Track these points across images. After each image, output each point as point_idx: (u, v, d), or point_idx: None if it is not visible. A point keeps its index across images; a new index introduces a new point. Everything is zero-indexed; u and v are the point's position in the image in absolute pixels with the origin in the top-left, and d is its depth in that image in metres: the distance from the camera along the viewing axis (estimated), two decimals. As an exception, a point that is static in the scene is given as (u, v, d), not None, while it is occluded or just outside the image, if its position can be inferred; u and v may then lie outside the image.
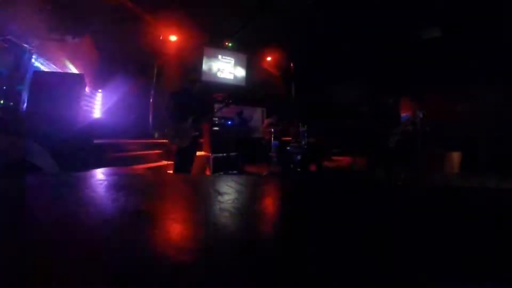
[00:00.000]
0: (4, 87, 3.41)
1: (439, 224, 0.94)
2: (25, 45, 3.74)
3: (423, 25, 6.35)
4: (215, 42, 7.73)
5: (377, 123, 4.37)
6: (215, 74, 7.86)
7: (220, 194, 1.24)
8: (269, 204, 1.28)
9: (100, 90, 5.49)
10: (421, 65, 6.61)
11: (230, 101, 4.05)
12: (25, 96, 3.51)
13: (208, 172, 5.11)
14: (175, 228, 0.87)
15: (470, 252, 0.69)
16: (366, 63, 7.08)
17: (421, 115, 4.87)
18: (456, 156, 5.95)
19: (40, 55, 4.09)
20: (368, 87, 7.23)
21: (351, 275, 0.55)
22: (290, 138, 5.95)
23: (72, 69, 4.88)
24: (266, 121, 6.81)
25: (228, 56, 8.09)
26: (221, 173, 5.04)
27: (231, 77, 8.17)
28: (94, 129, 4.09)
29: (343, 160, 6.91)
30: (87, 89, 4.65)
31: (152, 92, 6.23)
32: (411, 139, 4.71)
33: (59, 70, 4.52)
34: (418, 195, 1.46)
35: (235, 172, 5.24)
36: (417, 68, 6.63)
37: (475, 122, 6.21)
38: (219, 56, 7.93)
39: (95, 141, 3.86)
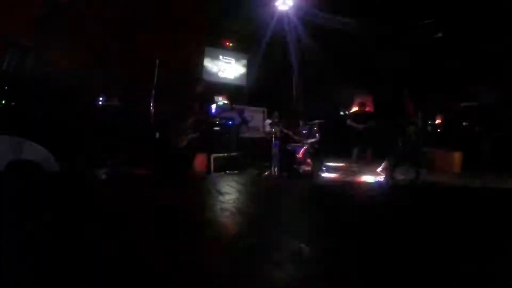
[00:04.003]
0: (6, 87, 3.41)
1: (439, 224, 0.93)
2: (26, 45, 3.74)
3: (423, 25, 6.34)
4: (216, 42, 7.72)
5: (390, 123, 4.37)
6: (216, 74, 7.85)
7: (221, 193, 1.24)
8: (270, 203, 1.29)
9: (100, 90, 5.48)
10: (422, 65, 6.60)
11: (233, 104, 4.10)
12: (27, 96, 3.51)
13: (209, 172, 5.10)
14: (176, 227, 0.87)
15: (470, 251, 0.69)
16: (366, 63, 7.07)
17: (422, 115, 4.86)
18: (457, 156, 5.93)
19: (40, 55, 4.09)
20: (368, 87, 7.21)
21: (352, 274, 0.55)
22: (290, 138, 5.93)
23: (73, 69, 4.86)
24: (267, 121, 6.80)
25: (229, 56, 8.08)
26: (222, 173, 5.03)
27: (232, 77, 8.16)
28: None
29: (344, 160, 6.88)
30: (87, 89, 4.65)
31: (153, 92, 6.22)
32: (412, 139, 4.69)
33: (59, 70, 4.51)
34: (419, 195, 1.46)
35: (235, 172, 5.23)
36: (418, 68, 6.62)
37: (476, 122, 6.19)
38: (220, 56, 7.92)
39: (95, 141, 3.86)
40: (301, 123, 6.07)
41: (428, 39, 6.45)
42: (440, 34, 6.36)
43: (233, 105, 4.14)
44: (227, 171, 5.13)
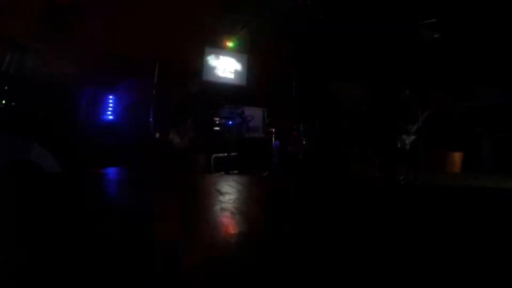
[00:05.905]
0: (6, 87, 3.42)
1: (440, 223, 0.94)
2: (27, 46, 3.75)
3: (423, 24, 6.34)
4: (216, 42, 7.72)
5: (392, 121, 4.37)
6: (216, 74, 7.84)
7: (221, 193, 1.24)
8: (270, 204, 1.29)
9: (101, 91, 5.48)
10: (423, 65, 6.60)
11: (224, 102, 4.11)
12: (27, 97, 3.51)
13: (209, 172, 5.11)
14: (177, 227, 0.87)
15: (470, 251, 0.69)
16: (367, 63, 7.07)
17: (423, 115, 4.85)
18: (457, 156, 5.93)
19: (41, 56, 4.10)
20: (368, 87, 7.21)
21: (351, 274, 0.55)
22: (291, 138, 5.94)
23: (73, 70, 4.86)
24: (268, 121, 6.81)
25: (229, 56, 8.08)
26: (222, 173, 5.04)
27: (232, 77, 8.16)
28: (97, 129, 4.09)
29: (344, 160, 6.88)
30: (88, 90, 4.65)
31: (153, 93, 6.22)
32: (412, 139, 4.69)
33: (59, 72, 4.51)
34: (420, 195, 1.46)
35: (235, 172, 5.24)
36: (419, 67, 6.62)
37: (477, 122, 6.19)
38: (220, 56, 7.92)
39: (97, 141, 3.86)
40: (301, 123, 6.07)
41: (430, 38, 6.45)
42: (438, 35, 6.36)
43: (222, 102, 4.14)
44: (227, 171, 5.14)
